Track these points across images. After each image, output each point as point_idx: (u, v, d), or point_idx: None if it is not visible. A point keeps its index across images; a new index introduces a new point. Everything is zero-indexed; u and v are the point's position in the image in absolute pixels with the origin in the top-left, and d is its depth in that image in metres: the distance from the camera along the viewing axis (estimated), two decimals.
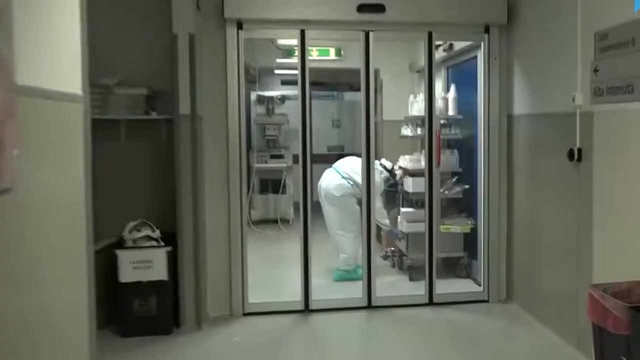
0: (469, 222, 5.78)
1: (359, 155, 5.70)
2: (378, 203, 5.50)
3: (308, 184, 5.00)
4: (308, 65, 4.88)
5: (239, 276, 4.81)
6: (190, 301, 4.47)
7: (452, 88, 5.80)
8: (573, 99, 3.85)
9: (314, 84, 10.87)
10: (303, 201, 4.93)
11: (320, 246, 5.98)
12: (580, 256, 3.91)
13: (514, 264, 5.05)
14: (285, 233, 8.53)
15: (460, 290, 5.33)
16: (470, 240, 5.80)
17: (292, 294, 4.98)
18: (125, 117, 4.62)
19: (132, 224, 4.37)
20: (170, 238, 4.47)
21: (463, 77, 6.06)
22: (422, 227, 5.63)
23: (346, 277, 5.84)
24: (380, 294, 5.03)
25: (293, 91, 10.57)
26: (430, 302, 5.03)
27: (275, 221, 8.90)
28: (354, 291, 5.13)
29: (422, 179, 5.69)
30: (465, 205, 5.93)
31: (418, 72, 7.82)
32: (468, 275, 5.80)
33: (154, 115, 4.62)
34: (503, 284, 5.13)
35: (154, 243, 4.38)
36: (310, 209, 4.98)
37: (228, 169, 4.80)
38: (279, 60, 8.79)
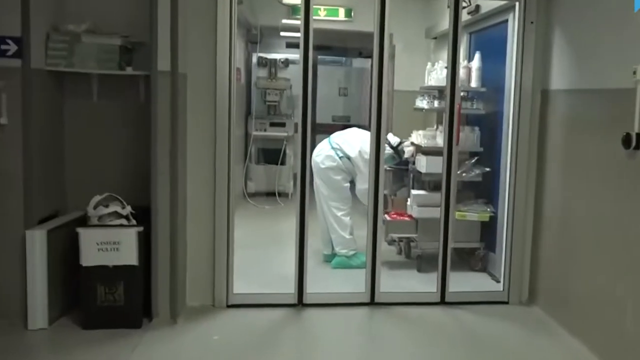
0: (488, 209, 5.13)
1: (366, 128, 5.05)
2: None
3: (307, 158, 4.34)
4: (313, 25, 4.16)
5: (224, 261, 4.18)
6: (164, 290, 3.85)
7: (477, 56, 5.07)
8: (634, 73, 3.14)
9: (319, 48, 10.11)
10: (301, 176, 4.28)
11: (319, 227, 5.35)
12: (632, 255, 3.26)
13: (540, 260, 4.40)
14: (284, 207, 7.91)
15: (476, 289, 4.69)
16: (487, 229, 5.15)
17: (285, 284, 4.35)
18: (95, 72, 3.93)
19: (97, 198, 3.72)
20: (145, 215, 3.82)
21: (488, 45, 5.32)
22: (434, 213, 4.99)
23: (346, 264, 5.22)
24: (385, 288, 4.40)
25: (297, 55, 9.85)
26: (442, 301, 4.40)
27: (274, 194, 8.27)
28: (355, 283, 4.50)
29: (438, 158, 5.01)
30: (483, 190, 5.26)
31: (435, 38, 7.08)
32: (484, 269, 5.17)
33: (129, 70, 3.93)
34: (526, 284, 4.49)
35: (123, 221, 3.73)
36: (308, 184, 4.33)
37: (215, 135, 4.14)
38: (284, 21, 8.06)
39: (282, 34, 8.97)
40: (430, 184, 5.19)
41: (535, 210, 4.43)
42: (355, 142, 5.23)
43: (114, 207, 3.70)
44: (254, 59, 9.11)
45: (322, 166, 5.20)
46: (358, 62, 9.77)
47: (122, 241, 3.64)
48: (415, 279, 5.01)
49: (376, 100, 4.29)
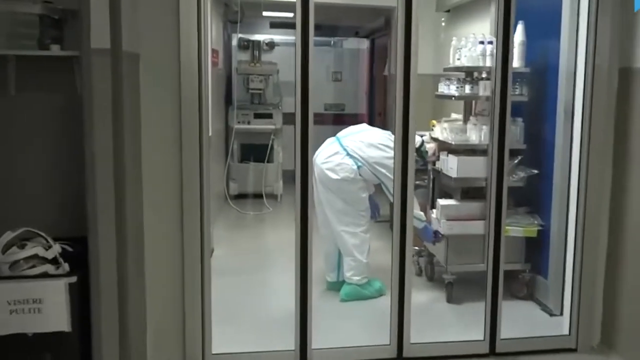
0: (535, 221, 4.05)
1: (363, 118, 3.96)
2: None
3: (309, 157, 3.22)
4: None
5: (198, 310, 3.06)
6: None
7: (520, 28, 3.93)
8: None
9: None
10: (302, 184, 3.17)
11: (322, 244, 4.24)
12: None
13: (618, 291, 3.33)
14: (272, 213, 6.79)
15: (527, 326, 3.63)
16: (534, 247, 4.08)
17: (282, 334, 3.25)
18: (7, 52, 2.76)
19: (9, 235, 2.56)
20: (82, 256, 2.68)
21: (529, 14, 4.21)
22: (469, 228, 3.95)
23: (359, 294, 4.13)
24: (412, 331, 3.30)
25: (284, 36, 8.69)
26: (492, 352, 3.31)
27: (260, 196, 7.13)
28: (375, 326, 3.42)
29: (472, 158, 3.96)
30: (527, 197, 4.18)
31: (448, 11, 5.96)
32: (530, 296, 4.10)
33: (55, 50, 2.76)
34: (598, 323, 3.42)
35: (48, 268, 2.58)
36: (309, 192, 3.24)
37: (181, 134, 3.00)
38: None
39: (264, 13, 7.81)
40: (464, 191, 4.09)
41: (612, 224, 3.35)
42: (377, 143, 4.10)
43: (34, 248, 2.55)
44: (234, 41, 7.92)
45: (335, 177, 4.06)
46: (352, 43, 8.62)
47: (45, 298, 2.50)
48: (447, 314, 3.93)
49: (401, 90, 3.15)
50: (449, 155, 4.13)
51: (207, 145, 3.08)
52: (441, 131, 4.28)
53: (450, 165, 4.08)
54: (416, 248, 4.81)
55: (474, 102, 4.36)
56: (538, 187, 4.06)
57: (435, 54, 5.80)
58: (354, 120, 8.16)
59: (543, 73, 3.94)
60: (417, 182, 4.72)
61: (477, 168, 3.94)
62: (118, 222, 2.66)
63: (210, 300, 3.09)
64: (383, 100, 7.78)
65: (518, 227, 4.02)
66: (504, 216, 3.35)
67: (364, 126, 4.39)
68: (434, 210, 4.22)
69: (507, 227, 4.01)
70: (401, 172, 3.21)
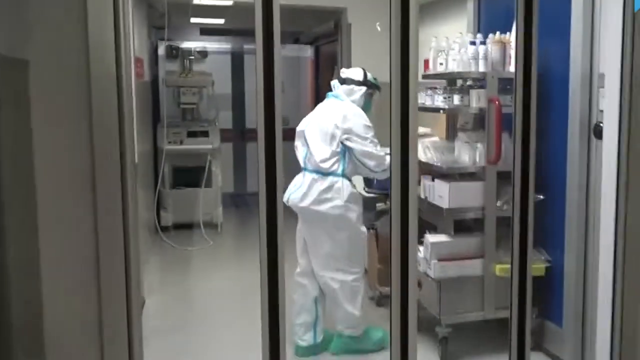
0: (542, 257, 3.38)
1: None
2: None
3: (278, 178, 2.34)
4: None
5: None
6: None
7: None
8: None
9: (243, 33, 8.12)
10: (268, 214, 2.30)
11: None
12: None
13: None
14: (213, 246, 5.87)
15: None
16: (541, 288, 3.40)
17: None
18: None
19: None
20: None
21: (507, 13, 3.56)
22: (465, 269, 3.25)
23: (353, 347, 3.34)
24: None
25: (217, 44, 7.81)
26: None
27: (197, 226, 6.18)
28: None
29: (467, 184, 3.24)
30: (535, 231, 3.50)
31: None
32: (538, 346, 3.42)
33: None
34: None
35: None
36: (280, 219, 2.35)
37: (93, 164, 2.08)
38: (196, 2, 6.08)
39: (193, 20, 6.92)
40: (457, 224, 3.36)
41: None
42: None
43: None
44: (161, 49, 6.96)
45: (331, 212, 3.27)
46: (293, 50, 7.84)
47: None
48: None
49: (398, 102, 2.36)
50: (436, 180, 3.39)
51: (131, 174, 2.17)
52: (423, 150, 3.55)
53: (439, 192, 3.34)
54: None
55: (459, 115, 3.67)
56: (543, 215, 3.38)
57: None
58: None
59: (547, 79, 3.28)
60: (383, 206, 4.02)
61: (473, 196, 3.25)
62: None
63: None
64: None
65: None
66: (530, 252, 2.63)
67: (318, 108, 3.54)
68: (421, 249, 3.46)
69: (509, 265, 3.35)
70: (400, 196, 2.41)
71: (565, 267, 3.23)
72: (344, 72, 3.46)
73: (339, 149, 3.25)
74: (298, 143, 3.44)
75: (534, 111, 2.50)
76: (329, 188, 3.24)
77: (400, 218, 2.42)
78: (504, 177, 3.30)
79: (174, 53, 7.01)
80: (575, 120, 3.03)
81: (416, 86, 2.33)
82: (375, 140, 3.28)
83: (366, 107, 3.40)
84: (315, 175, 3.29)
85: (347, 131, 3.22)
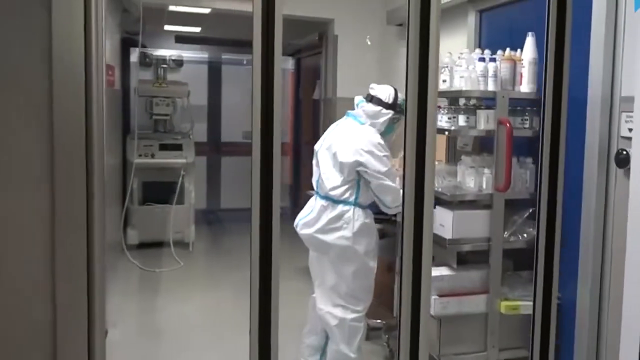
0: None
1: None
2: None
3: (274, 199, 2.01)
4: None
5: None
6: None
7: (530, 42, 2.99)
8: None
9: (222, 43, 7.77)
10: (261, 233, 1.97)
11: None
12: None
13: None
14: (184, 268, 5.47)
15: None
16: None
17: None
18: None
19: None
20: None
21: (536, 24, 3.31)
22: (468, 305, 2.95)
23: None
24: None
25: (193, 53, 7.45)
26: None
27: (167, 245, 5.77)
28: None
29: (475, 213, 2.96)
30: (531, 258, 3.23)
31: (400, 25, 5.04)
32: None
33: None
34: None
35: None
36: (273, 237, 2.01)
37: (52, 179, 1.73)
38: (172, 8, 5.78)
39: (167, 27, 6.58)
40: (463, 256, 3.07)
41: None
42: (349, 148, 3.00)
43: None
44: (134, 57, 6.57)
45: (338, 243, 2.95)
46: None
47: None
48: None
49: (413, 112, 2.06)
50: (437, 208, 3.10)
51: (99, 190, 1.81)
52: None
53: (441, 221, 3.04)
54: (379, 321, 3.77)
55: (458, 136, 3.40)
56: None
57: (386, 75, 4.87)
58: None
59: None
60: (380, 227, 3.70)
61: (479, 225, 2.96)
62: None
63: None
64: (312, 127, 6.74)
65: (529, 302, 3.04)
66: (555, 290, 2.36)
67: (334, 128, 3.19)
68: None
69: (517, 303, 3.08)
70: (413, 229, 2.12)
71: (578, 304, 2.96)
72: (374, 89, 3.06)
73: (351, 177, 2.93)
74: (314, 163, 3.14)
75: (564, 136, 2.24)
76: (338, 217, 2.93)
77: (412, 256, 2.13)
78: (510, 206, 3.04)
79: (148, 61, 6.63)
80: (594, 147, 2.77)
81: (435, 107, 2.04)
82: (393, 170, 2.97)
83: (387, 132, 3.07)
84: (325, 202, 2.97)
85: (361, 164, 2.90)
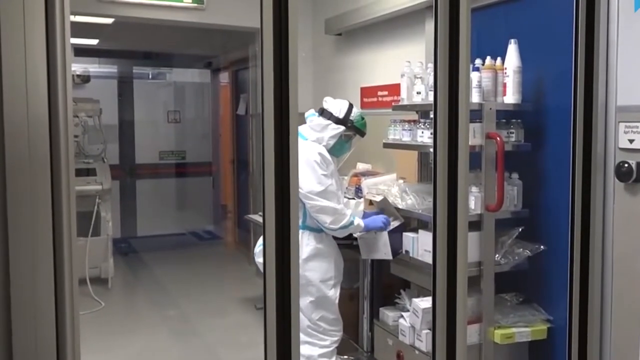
0: (541, 316, 2.91)
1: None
2: None
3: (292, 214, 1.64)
4: None
5: None
6: None
7: (513, 50, 2.78)
8: None
9: (134, 56, 7.12)
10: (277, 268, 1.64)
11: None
12: None
13: None
14: (105, 309, 4.83)
15: None
16: (537, 352, 2.94)
17: None
18: None
19: None
20: None
21: (517, 31, 3.12)
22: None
23: None
24: None
25: (100, 67, 6.76)
26: None
27: (82, 283, 5.08)
28: None
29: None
30: (517, 280, 3.04)
31: (339, 35, 4.77)
32: None
33: None
34: None
35: None
36: None
37: None
38: (72, 19, 5.09)
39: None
40: None
41: None
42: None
43: None
44: None
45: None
46: (194, 76, 7.01)
47: None
48: None
49: (446, 135, 1.76)
50: (420, 232, 2.82)
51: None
52: (400, 195, 2.96)
53: (425, 246, 2.76)
54: (346, 357, 3.42)
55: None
56: (540, 267, 2.94)
57: (322, 88, 4.58)
58: (198, 170, 6.54)
59: (544, 111, 2.86)
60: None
61: (469, 249, 2.69)
62: None
63: None
64: (235, 145, 6.29)
65: (524, 328, 2.83)
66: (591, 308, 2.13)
67: None
68: (405, 316, 2.85)
69: (512, 331, 2.85)
70: (446, 257, 1.81)
71: (571, 327, 2.78)
72: (327, 102, 2.80)
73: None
74: None
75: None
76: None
77: (446, 285, 1.82)
78: (498, 226, 2.81)
79: None
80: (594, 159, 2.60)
81: (467, 120, 1.75)
82: (335, 191, 2.68)
83: (338, 150, 2.79)
84: None
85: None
